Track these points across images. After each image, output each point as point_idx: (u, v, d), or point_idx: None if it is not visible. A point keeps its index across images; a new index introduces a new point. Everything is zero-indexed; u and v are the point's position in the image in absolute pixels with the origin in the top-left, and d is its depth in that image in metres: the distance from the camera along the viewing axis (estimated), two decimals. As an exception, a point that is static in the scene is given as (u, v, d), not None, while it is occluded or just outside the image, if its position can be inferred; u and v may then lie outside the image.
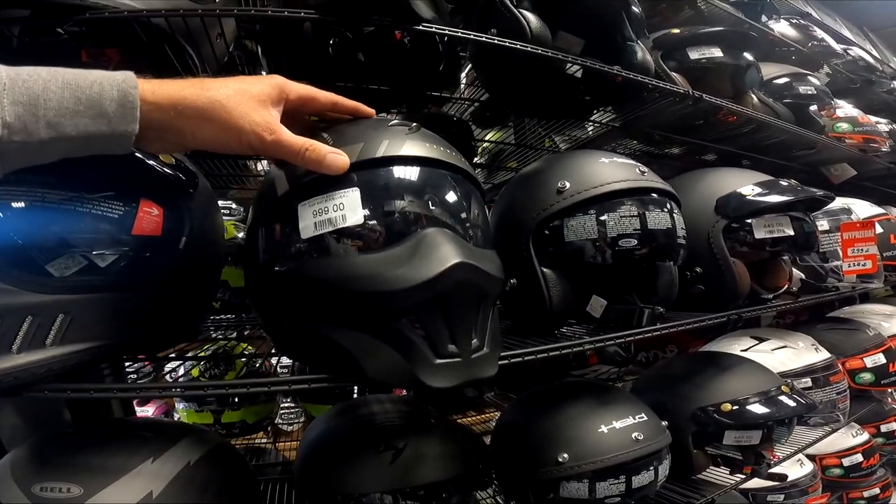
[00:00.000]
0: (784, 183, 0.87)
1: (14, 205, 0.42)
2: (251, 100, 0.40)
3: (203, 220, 0.54)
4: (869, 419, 1.53)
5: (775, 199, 0.82)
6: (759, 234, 0.80)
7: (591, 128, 1.00)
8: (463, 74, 0.93)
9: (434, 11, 0.55)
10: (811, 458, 1.38)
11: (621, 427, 0.70)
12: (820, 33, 1.66)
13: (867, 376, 1.29)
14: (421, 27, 0.54)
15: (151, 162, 0.47)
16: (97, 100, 0.34)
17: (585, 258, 0.65)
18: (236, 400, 0.99)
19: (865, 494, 1.58)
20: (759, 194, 0.82)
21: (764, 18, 1.41)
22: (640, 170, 0.65)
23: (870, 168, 1.63)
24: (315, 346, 0.45)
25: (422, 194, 0.45)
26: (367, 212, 0.42)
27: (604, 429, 0.69)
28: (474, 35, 0.59)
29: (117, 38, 0.51)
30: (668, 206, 0.66)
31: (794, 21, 1.63)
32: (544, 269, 0.64)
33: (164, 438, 0.56)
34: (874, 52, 2.55)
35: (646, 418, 0.73)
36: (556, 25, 0.69)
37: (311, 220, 0.42)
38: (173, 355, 0.71)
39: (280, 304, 0.46)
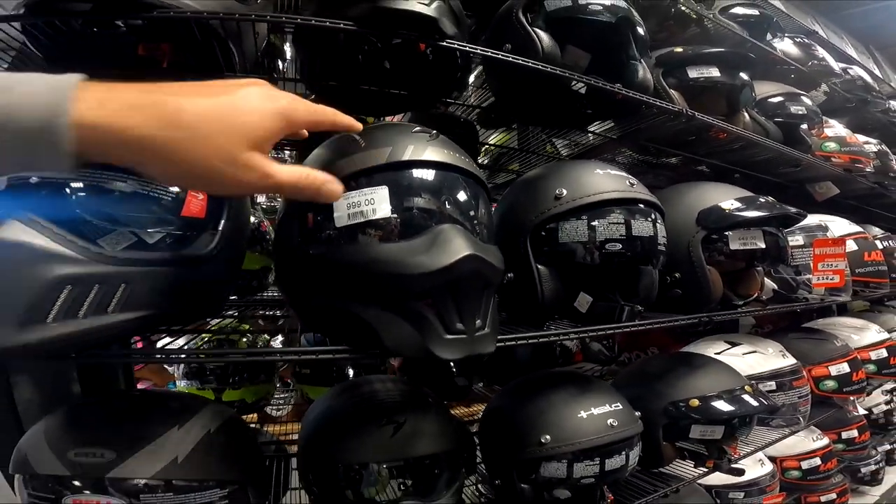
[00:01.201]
0: (762, 199, 0.98)
1: (86, 187, 0.50)
2: (241, 141, 0.33)
3: (238, 205, 0.62)
4: (831, 426, 1.67)
5: (751, 214, 0.94)
6: (734, 245, 0.92)
7: (591, 136, 1.11)
8: (471, 78, 1.02)
9: (456, 27, 0.64)
10: (772, 459, 1.52)
11: (598, 413, 0.81)
12: (821, 52, 1.80)
13: (830, 384, 1.43)
14: (445, 43, 0.63)
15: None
16: (14, 125, 0.28)
17: (576, 258, 0.75)
18: (237, 379, 1.07)
19: (823, 499, 1.72)
20: (737, 209, 0.94)
21: (769, 36, 1.54)
22: (629, 182, 0.76)
23: (854, 187, 1.78)
24: (339, 321, 0.54)
25: (440, 194, 0.55)
26: (393, 207, 0.51)
27: (583, 414, 0.80)
28: (492, 52, 0.68)
29: (172, 34, 0.59)
30: (653, 216, 0.77)
31: (797, 40, 1.77)
32: (539, 266, 0.74)
33: (187, 408, 0.64)
34: (876, 71, 2.74)
35: (621, 407, 0.84)
36: (565, 40, 0.78)
37: (345, 211, 0.51)
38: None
39: (310, 283, 0.55)
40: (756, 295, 0.99)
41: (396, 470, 0.71)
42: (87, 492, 0.56)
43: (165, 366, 1.44)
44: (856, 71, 2.02)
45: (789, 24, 1.89)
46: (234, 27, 0.60)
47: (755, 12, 1.48)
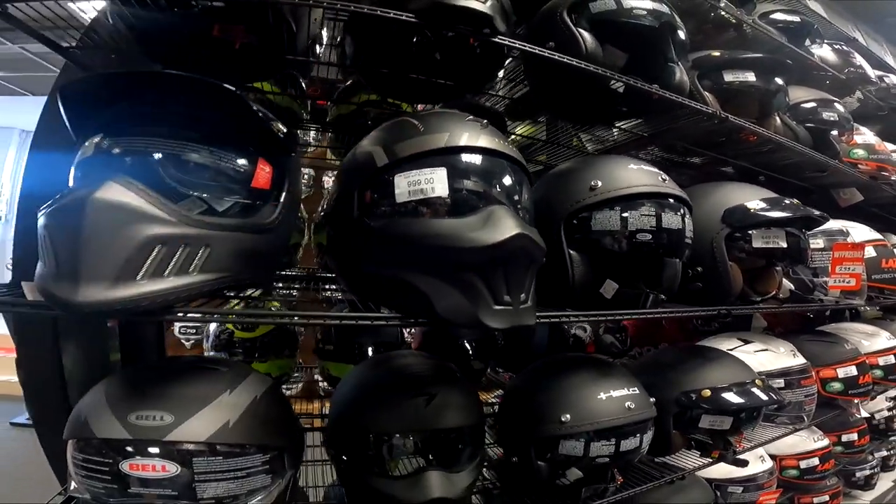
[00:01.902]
0: (786, 201, 1.03)
1: (166, 155, 0.55)
2: None
3: (294, 178, 0.68)
4: (833, 428, 1.74)
5: (775, 214, 0.99)
6: (757, 243, 0.97)
7: (616, 132, 1.15)
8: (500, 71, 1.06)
9: (505, 24, 0.69)
10: (772, 457, 1.59)
11: (617, 396, 0.87)
12: (859, 60, 1.83)
13: (837, 385, 1.50)
14: (497, 39, 0.67)
15: (271, 124, 0.60)
16: None
17: (607, 246, 0.81)
18: (263, 352, 1.14)
19: (815, 500, 1.79)
20: (762, 209, 0.99)
21: (808, 42, 1.56)
22: (661, 177, 0.81)
23: (879, 195, 1.81)
24: (392, 290, 0.60)
25: (491, 178, 0.60)
26: (450, 186, 0.57)
27: (602, 396, 0.86)
28: (539, 50, 0.72)
29: (246, 17, 0.63)
30: (682, 210, 0.82)
31: (836, 47, 1.79)
32: (571, 252, 0.80)
33: (236, 374, 0.70)
34: None
35: (638, 392, 0.90)
36: (605, 40, 0.83)
37: (406, 188, 0.57)
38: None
39: (366, 253, 0.61)
40: (774, 293, 1.04)
41: (427, 440, 0.77)
42: (145, 456, 0.59)
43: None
44: (891, 79, 2.03)
45: (830, 31, 1.91)
46: (300, 13, 0.65)
47: (796, 19, 1.51)
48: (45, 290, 0.48)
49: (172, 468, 0.60)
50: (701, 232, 0.94)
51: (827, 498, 1.80)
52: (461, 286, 0.56)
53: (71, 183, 0.59)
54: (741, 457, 1.19)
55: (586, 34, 0.77)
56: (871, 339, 1.71)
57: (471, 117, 0.63)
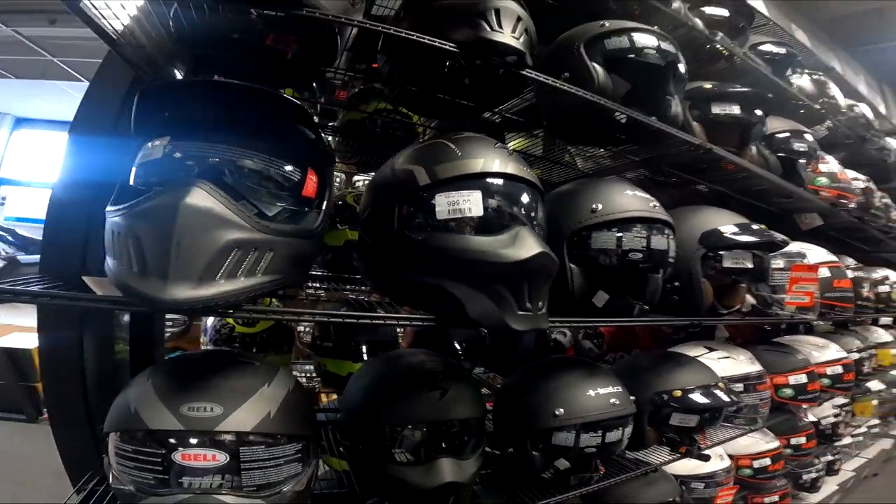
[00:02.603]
0: (754, 227, 1.25)
1: (240, 164, 0.66)
2: None
3: (332, 186, 0.79)
4: (783, 431, 2.03)
5: (745, 238, 1.20)
6: (727, 263, 1.18)
7: (609, 155, 1.33)
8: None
9: (531, 56, 0.83)
10: (730, 456, 1.84)
11: (604, 393, 1.05)
12: (833, 90, 2.12)
13: (788, 391, 1.77)
14: (526, 72, 0.82)
15: (321, 138, 0.72)
16: None
17: (602, 262, 0.98)
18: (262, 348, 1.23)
19: (766, 500, 2.08)
20: (734, 233, 1.20)
21: (790, 72, 1.81)
22: (652, 203, 0.99)
23: (838, 220, 2.11)
24: (427, 294, 0.74)
25: (518, 200, 0.75)
26: (484, 207, 0.71)
27: (591, 392, 1.03)
28: (559, 83, 0.87)
29: (301, 29, 0.74)
30: (667, 233, 1.00)
31: (814, 77, 2.07)
32: (571, 265, 0.96)
33: (267, 368, 0.78)
34: (881, 108, 3.14)
35: (620, 390, 1.09)
36: (612, 70, 0.99)
37: (446, 206, 0.71)
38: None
39: (404, 261, 0.74)
40: (738, 307, 1.26)
41: (440, 430, 0.90)
42: (197, 446, 0.67)
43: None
44: (860, 109, 2.38)
45: (811, 60, 2.20)
46: (344, 29, 0.76)
47: (782, 51, 1.78)
48: (128, 287, 0.58)
49: (222, 457, 0.68)
50: (679, 251, 1.13)
51: (777, 498, 2.09)
52: (491, 294, 0.71)
53: (134, 179, 0.67)
54: (705, 452, 1.41)
55: (599, 68, 0.94)
56: (821, 351, 2.01)
57: (498, 144, 0.78)
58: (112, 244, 0.62)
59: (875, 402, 2.77)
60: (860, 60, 3.08)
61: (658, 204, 1.01)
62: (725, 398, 1.28)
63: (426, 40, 0.75)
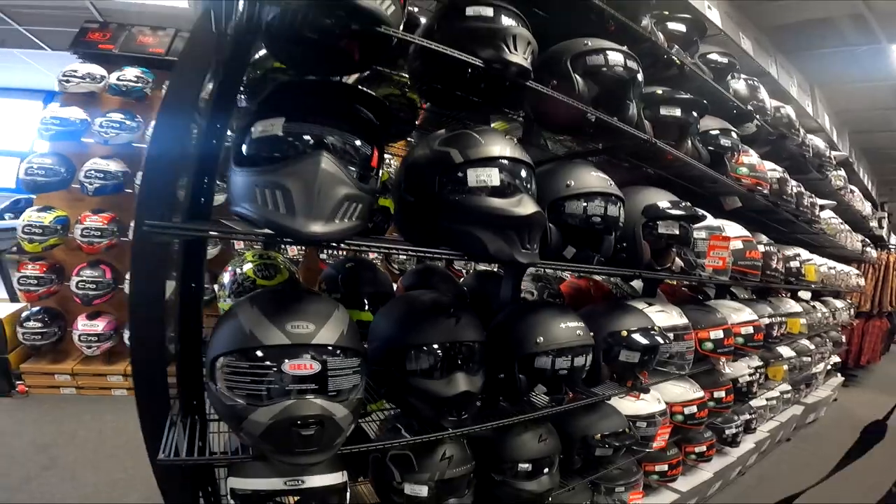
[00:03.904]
0: (683, 203, 1.85)
1: (339, 140, 1.08)
2: None
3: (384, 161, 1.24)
4: (707, 385, 2.73)
5: (675, 212, 1.80)
6: (661, 230, 1.77)
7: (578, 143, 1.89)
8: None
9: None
10: (666, 403, 2.49)
11: (572, 326, 1.59)
12: (762, 94, 2.84)
13: (709, 345, 2.46)
14: (529, 83, 1.31)
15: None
16: None
17: (571, 223, 1.50)
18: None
19: (696, 450, 2.80)
20: (667, 207, 1.79)
21: (730, 76, 2.46)
22: (609, 182, 1.55)
23: (755, 204, 2.85)
24: (458, 237, 1.22)
25: (522, 176, 1.26)
26: (500, 179, 1.20)
27: (563, 325, 1.57)
28: (550, 91, 1.38)
29: (367, 37, 1.15)
30: (619, 204, 1.56)
31: (749, 82, 2.77)
32: (550, 225, 1.47)
33: (329, 299, 1.22)
34: (809, 109, 4.01)
35: (583, 325, 1.63)
36: (587, 78, 1.51)
37: (475, 178, 1.19)
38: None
39: (444, 214, 1.21)
40: (669, 265, 1.86)
41: (456, 349, 1.38)
42: (300, 357, 1.03)
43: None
44: (786, 110, 3.15)
45: (752, 66, 2.89)
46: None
47: (725, 60, 2.46)
48: (277, 224, 0.99)
49: (317, 365, 1.06)
50: (628, 220, 1.70)
51: (705, 448, 2.84)
52: (504, 237, 1.20)
53: (256, 147, 1.07)
54: (645, 386, 2.01)
55: (580, 79, 1.47)
56: (738, 314, 2.76)
57: (508, 136, 1.26)
58: (252, 194, 1.02)
59: (785, 367, 3.61)
60: (795, 64, 3.93)
61: (613, 182, 1.57)
62: (660, 339, 1.89)
63: (461, 56, 1.21)
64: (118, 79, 3.81)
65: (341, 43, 1.19)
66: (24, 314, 3.61)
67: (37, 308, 3.67)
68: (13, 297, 4.27)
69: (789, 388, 4.00)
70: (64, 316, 3.79)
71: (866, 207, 5.39)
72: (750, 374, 3.12)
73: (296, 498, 1.25)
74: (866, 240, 5.64)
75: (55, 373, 3.62)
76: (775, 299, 3.60)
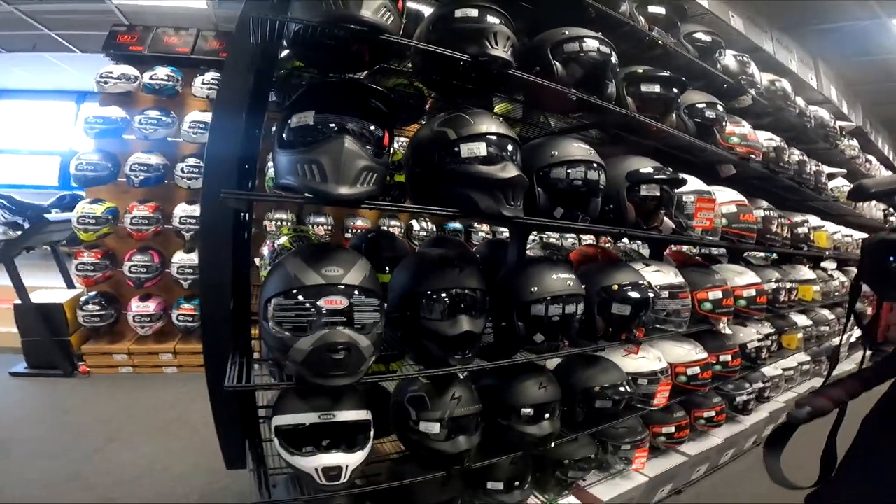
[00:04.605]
0: (664, 169, 2.15)
1: (358, 126, 1.44)
2: None
3: (394, 141, 1.59)
4: (713, 349, 2.97)
5: (656, 175, 2.09)
6: (644, 192, 2.08)
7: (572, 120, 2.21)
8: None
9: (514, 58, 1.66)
10: (670, 364, 2.75)
11: (563, 277, 1.92)
12: (753, 69, 3.08)
13: (708, 305, 2.73)
14: (512, 72, 1.65)
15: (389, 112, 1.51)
16: None
17: (557, 187, 1.83)
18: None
19: (705, 415, 3.05)
20: (648, 173, 2.09)
21: (719, 53, 2.73)
22: (590, 151, 1.87)
23: (749, 171, 3.10)
24: (455, 197, 1.59)
25: (505, 147, 1.62)
26: (487, 151, 1.55)
27: (555, 276, 1.90)
28: (532, 78, 1.72)
29: (374, 42, 1.51)
30: (599, 170, 1.89)
31: (738, 58, 3.03)
32: (538, 188, 1.81)
33: (354, 251, 1.59)
34: (812, 83, 4.20)
35: (574, 277, 1.96)
36: (569, 63, 1.84)
37: (467, 150, 1.56)
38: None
39: (443, 179, 1.57)
40: (657, 225, 2.15)
41: (461, 295, 1.73)
42: (333, 294, 1.41)
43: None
44: (781, 84, 3.38)
45: (743, 43, 3.15)
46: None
47: (709, 39, 2.74)
48: (314, 189, 1.36)
49: (345, 301, 1.44)
50: (613, 184, 2.02)
51: (714, 413, 3.08)
52: (492, 196, 1.56)
53: (293, 133, 1.43)
54: (638, 339, 2.31)
55: (559, 64, 1.81)
56: (741, 277, 3.03)
57: (494, 116, 1.60)
58: (294, 168, 1.39)
59: (800, 335, 3.80)
60: (796, 40, 4.12)
61: (594, 151, 1.89)
62: (650, 293, 2.19)
63: (450, 53, 1.55)
64: (151, 78, 4.34)
65: (353, 48, 1.54)
66: (83, 298, 4.16)
67: (94, 293, 4.22)
68: (70, 285, 4.85)
69: (808, 358, 4.18)
70: (118, 299, 4.35)
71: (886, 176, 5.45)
72: (759, 340, 3.31)
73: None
74: (889, 210, 5.70)
75: (113, 353, 4.17)
76: (789, 267, 3.81)
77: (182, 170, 4.27)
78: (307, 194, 1.37)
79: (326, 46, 1.53)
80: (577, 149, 1.87)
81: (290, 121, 1.46)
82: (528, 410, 2.00)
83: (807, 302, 3.80)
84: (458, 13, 1.63)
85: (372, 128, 1.49)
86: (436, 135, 1.61)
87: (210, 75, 4.37)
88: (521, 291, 1.87)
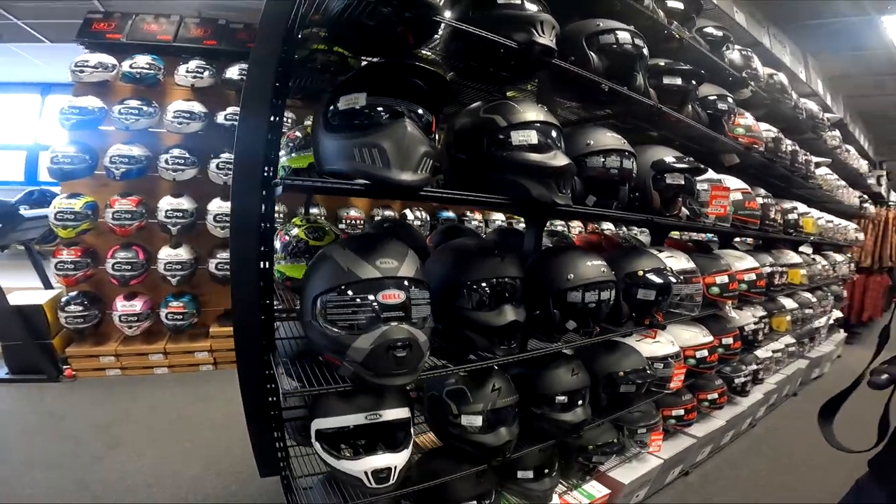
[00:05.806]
0: (686, 158, 2.23)
1: (413, 109, 1.44)
2: None
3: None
4: (717, 332, 3.12)
5: (679, 165, 2.17)
6: (668, 181, 2.15)
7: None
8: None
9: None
10: (679, 348, 2.86)
11: (597, 264, 1.97)
12: (755, 62, 3.23)
13: (716, 289, 2.84)
14: (555, 61, 1.68)
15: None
16: None
17: (592, 175, 1.88)
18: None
19: (709, 397, 3.20)
20: (672, 162, 2.17)
21: (725, 48, 2.84)
22: (622, 141, 1.92)
23: (751, 160, 3.24)
24: (506, 185, 1.60)
25: (553, 136, 1.65)
26: (537, 139, 1.57)
27: (590, 263, 1.94)
28: (567, 66, 1.74)
29: (420, 24, 1.51)
30: (632, 159, 1.94)
31: (743, 53, 3.15)
32: (575, 178, 1.84)
33: (401, 243, 1.58)
34: (802, 76, 4.40)
35: (606, 263, 2.00)
36: (600, 53, 1.88)
37: (517, 138, 1.58)
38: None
39: (493, 167, 1.59)
40: (677, 213, 2.23)
41: (504, 284, 1.75)
42: (390, 288, 1.35)
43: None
44: (779, 77, 3.54)
45: (745, 38, 3.27)
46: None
47: (720, 33, 2.86)
48: (375, 176, 1.34)
49: (402, 295, 1.38)
50: (640, 172, 2.07)
51: (716, 395, 3.23)
52: (544, 185, 1.59)
53: (342, 118, 1.41)
54: (662, 323, 2.39)
55: (594, 56, 1.85)
56: (740, 261, 3.17)
57: (540, 105, 1.62)
58: (349, 153, 1.36)
59: (788, 318, 4.01)
60: (788, 34, 4.32)
61: (626, 141, 1.93)
62: (672, 279, 2.28)
63: (500, 40, 1.57)
64: (130, 66, 4.15)
65: (398, 29, 1.53)
66: (64, 299, 3.96)
67: (75, 292, 4.02)
68: (47, 285, 4.63)
69: (793, 341, 4.42)
70: (101, 298, 4.16)
71: (862, 165, 5.83)
72: (755, 323, 3.51)
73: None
74: (864, 196, 6.10)
75: (100, 355, 3.99)
76: (776, 251, 4.00)
77: (166, 161, 4.13)
78: (365, 181, 1.36)
79: (368, 27, 1.51)
80: (610, 138, 1.92)
81: (337, 104, 1.42)
82: (562, 398, 2.04)
83: (794, 285, 4.00)
84: (502, 0, 1.64)
85: (421, 112, 1.46)
86: (483, 122, 1.62)
87: (195, 63, 4.23)
88: (557, 279, 1.90)
